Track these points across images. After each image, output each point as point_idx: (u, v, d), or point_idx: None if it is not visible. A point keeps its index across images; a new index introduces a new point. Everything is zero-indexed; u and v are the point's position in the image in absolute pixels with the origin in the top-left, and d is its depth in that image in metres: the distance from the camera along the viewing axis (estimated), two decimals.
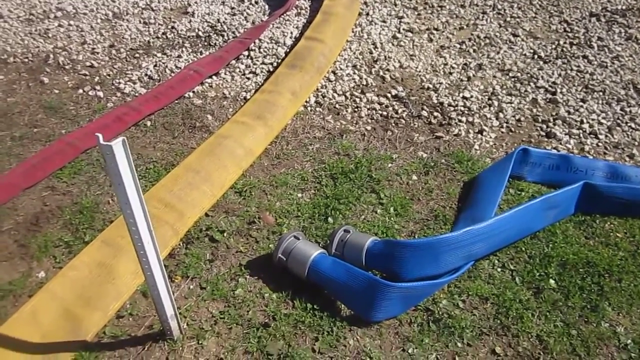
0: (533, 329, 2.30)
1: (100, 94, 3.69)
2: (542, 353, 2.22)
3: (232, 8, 4.68)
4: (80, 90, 3.73)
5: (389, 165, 3.16)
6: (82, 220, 2.73)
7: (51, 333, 2.17)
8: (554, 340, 2.26)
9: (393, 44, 4.22)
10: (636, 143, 3.36)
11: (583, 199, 2.84)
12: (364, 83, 3.81)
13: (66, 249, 2.59)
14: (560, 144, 3.34)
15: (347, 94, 3.70)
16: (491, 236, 2.50)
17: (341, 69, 3.93)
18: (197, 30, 4.35)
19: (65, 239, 2.63)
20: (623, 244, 2.70)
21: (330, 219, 2.77)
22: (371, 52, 4.11)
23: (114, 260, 2.44)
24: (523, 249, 2.66)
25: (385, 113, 3.55)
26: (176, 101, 3.60)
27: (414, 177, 3.08)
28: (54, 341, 2.16)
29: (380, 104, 3.63)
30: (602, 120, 3.51)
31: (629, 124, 3.50)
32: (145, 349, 2.18)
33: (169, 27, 4.40)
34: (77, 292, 2.31)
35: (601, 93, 3.74)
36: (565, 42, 4.27)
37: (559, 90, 3.75)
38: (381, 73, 3.90)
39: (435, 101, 3.66)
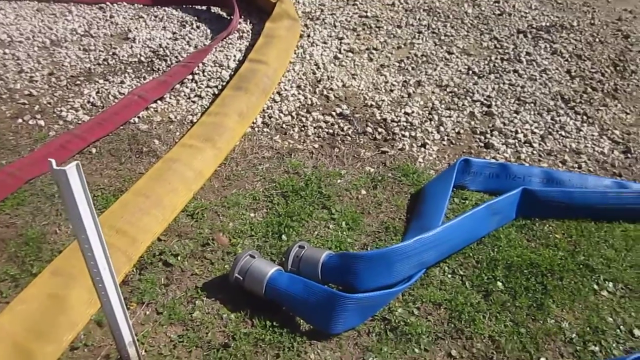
0: (485, 330, 2.40)
1: (42, 122, 3.60)
2: (495, 353, 2.32)
3: (174, 33, 4.69)
4: (20, 120, 3.63)
5: (338, 181, 3.23)
6: (29, 252, 2.65)
7: None
8: (505, 340, 2.36)
9: (335, 64, 4.33)
10: (567, 150, 3.58)
11: (523, 204, 3.00)
12: (309, 102, 3.89)
13: (12, 283, 2.50)
14: (499, 153, 3.52)
15: (293, 114, 3.77)
16: (440, 244, 2.60)
17: (286, 89, 4.00)
18: (139, 56, 4.33)
19: (11, 272, 2.54)
20: (562, 244, 2.86)
21: (284, 237, 2.81)
22: (314, 73, 4.21)
23: (65, 291, 2.38)
24: (471, 254, 2.77)
25: (331, 131, 3.64)
26: (121, 127, 3.56)
27: (363, 192, 3.17)
28: None
29: (326, 122, 3.72)
30: (535, 130, 3.73)
31: (559, 132, 3.72)
32: None
33: (110, 53, 4.35)
34: (27, 325, 2.24)
35: (532, 104, 3.97)
36: (496, 58, 4.51)
37: (493, 103, 3.95)
38: (325, 92, 4.00)
39: (379, 117, 3.78)
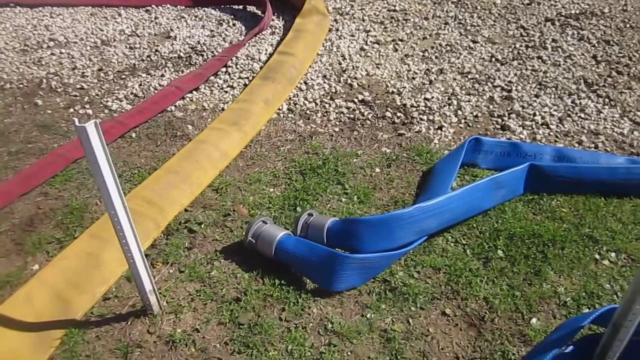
0: (480, 292, 2.54)
1: (90, 111, 4.00)
2: (488, 312, 2.46)
3: (212, 30, 5.03)
4: (71, 110, 4.05)
5: (354, 160, 3.43)
6: (73, 220, 3.00)
7: (44, 314, 2.42)
8: (499, 301, 2.49)
9: (360, 55, 4.54)
10: (585, 131, 3.63)
11: (530, 179, 3.10)
12: (333, 91, 4.11)
13: (58, 245, 2.85)
14: (514, 134, 3.61)
15: (317, 101, 4.00)
16: (441, 212, 2.75)
17: (312, 79, 4.24)
18: (178, 52, 4.69)
19: (57, 236, 2.90)
20: (568, 217, 2.95)
21: (298, 209, 3.03)
22: (340, 63, 4.42)
23: (100, 251, 2.70)
24: (474, 225, 2.91)
25: (352, 116, 3.84)
26: (159, 115, 3.91)
27: (377, 170, 3.35)
28: (46, 320, 2.40)
29: (347, 108, 3.92)
30: (554, 112, 3.79)
31: (578, 115, 3.77)
32: (129, 323, 2.42)
33: (153, 50, 4.74)
34: (67, 278, 2.56)
35: (554, 89, 4.03)
36: (521, 45, 4.58)
37: (514, 88, 4.04)
38: (349, 81, 4.21)
39: (399, 103, 3.95)
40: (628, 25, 4.79)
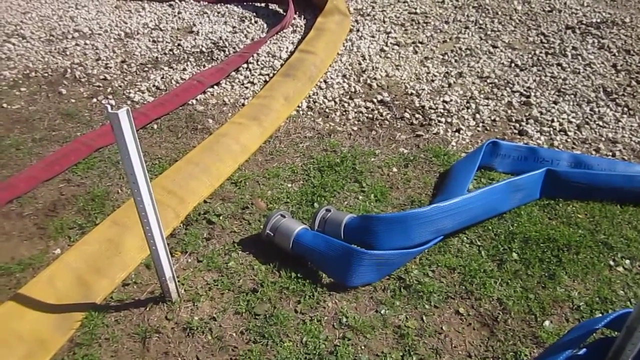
0: (494, 293, 2.56)
1: (112, 102, 4.07)
2: (501, 313, 2.48)
3: (234, 27, 5.08)
4: (94, 100, 4.12)
5: (372, 159, 3.46)
6: (94, 206, 3.06)
7: (65, 296, 2.48)
8: (512, 303, 2.51)
9: (380, 56, 4.57)
10: (603, 139, 3.64)
11: (547, 184, 3.11)
12: (353, 90, 4.15)
13: (79, 230, 2.91)
14: (532, 140, 3.63)
15: (337, 100, 4.04)
16: (457, 213, 2.78)
17: (332, 78, 4.28)
18: (201, 47, 4.75)
19: (79, 222, 2.96)
20: (583, 223, 2.96)
21: (315, 204, 3.07)
22: (360, 64, 4.46)
23: (121, 237, 2.76)
24: (490, 227, 2.93)
25: (370, 116, 3.88)
26: (181, 107, 3.96)
27: (394, 169, 3.38)
28: (67, 303, 2.46)
29: (366, 107, 3.96)
30: (572, 120, 3.80)
31: (597, 122, 3.78)
32: (147, 309, 2.47)
33: (176, 44, 4.80)
34: (88, 262, 2.62)
35: (572, 96, 4.04)
36: (541, 52, 4.59)
37: (533, 94, 4.05)
38: (368, 81, 4.24)
39: (418, 105, 3.98)
40: None
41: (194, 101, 4.04)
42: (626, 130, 3.70)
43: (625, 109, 3.90)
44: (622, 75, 4.27)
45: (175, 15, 5.29)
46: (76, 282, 2.54)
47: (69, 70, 4.51)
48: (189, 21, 5.18)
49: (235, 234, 2.91)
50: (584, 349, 2.17)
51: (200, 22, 5.15)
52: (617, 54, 4.55)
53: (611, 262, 2.73)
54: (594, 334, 2.27)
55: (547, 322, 2.43)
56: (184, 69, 4.44)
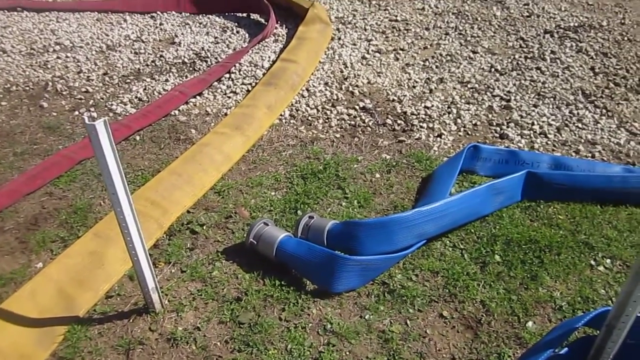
0: (477, 295, 2.58)
1: (95, 114, 4.06)
2: (484, 315, 2.50)
3: (215, 37, 5.10)
4: (76, 112, 4.11)
5: (355, 166, 3.48)
6: (77, 219, 3.05)
7: (47, 310, 2.46)
8: (495, 304, 2.53)
9: (362, 64, 4.60)
10: (582, 140, 3.69)
11: (528, 186, 3.15)
12: (335, 98, 4.17)
13: (62, 244, 2.89)
14: (512, 143, 3.67)
15: (319, 108, 4.06)
16: (439, 217, 2.80)
17: (314, 86, 4.30)
18: (183, 58, 4.76)
19: (61, 235, 2.94)
20: (564, 224, 2.99)
21: (299, 212, 3.08)
22: (342, 71, 4.49)
23: (104, 249, 2.75)
24: (472, 230, 2.96)
25: (353, 122, 3.90)
26: (163, 118, 3.96)
27: (377, 175, 3.40)
28: (49, 317, 2.44)
29: (349, 115, 3.98)
30: (552, 122, 3.85)
31: (576, 124, 3.83)
32: (130, 321, 2.46)
33: (158, 55, 4.80)
34: (71, 275, 2.61)
35: (552, 99, 4.10)
36: (520, 56, 4.65)
37: (512, 98, 4.10)
38: (350, 89, 4.27)
39: (400, 111, 4.01)
40: (626, 39, 4.87)
41: (177, 112, 4.04)
42: (605, 132, 3.76)
43: (604, 111, 3.96)
44: (600, 78, 4.34)
45: (157, 27, 5.30)
46: (58, 295, 2.52)
47: (50, 84, 4.49)
48: (171, 32, 5.19)
49: (218, 243, 2.91)
50: (566, 348, 2.19)
51: (182, 33, 5.16)
52: (594, 57, 4.62)
53: (592, 262, 2.76)
54: (576, 333, 2.29)
55: (530, 323, 2.45)
56: (166, 80, 4.45)
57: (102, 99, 4.28)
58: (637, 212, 3.08)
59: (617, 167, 3.37)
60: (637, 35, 4.91)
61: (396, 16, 5.39)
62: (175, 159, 3.49)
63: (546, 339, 2.20)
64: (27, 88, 4.46)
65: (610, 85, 4.25)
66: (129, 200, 2.04)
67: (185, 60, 4.73)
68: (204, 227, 2.99)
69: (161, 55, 4.80)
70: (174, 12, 5.57)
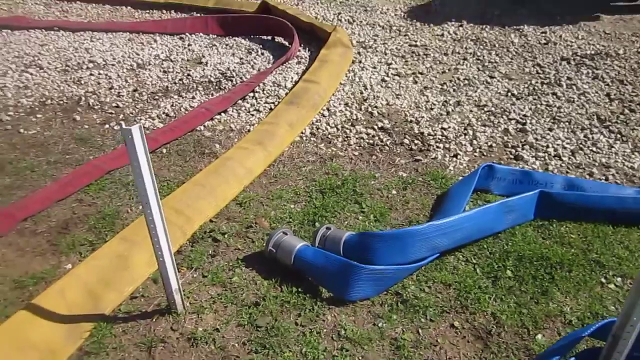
0: (489, 308, 2.65)
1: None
2: (495, 326, 2.56)
3: (241, 58, 5.30)
4: (107, 126, 4.31)
5: (372, 182, 3.59)
6: (105, 225, 3.20)
7: (75, 307, 2.59)
8: (506, 317, 2.60)
9: (382, 86, 4.75)
10: (596, 163, 3.76)
11: (541, 205, 3.22)
12: (354, 117, 4.31)
13: (90, 247, 3.04)
14: (527, 164, 3.75)
15: (339, 127, 4.20)
16: (453, 231, 2.89)
17: (334, 106, 4.45)
18: (209, 77, 4.96)
19: (90, 239, 3.09)
20: (576, 242, 3.06)
21: (317, 224, 3.19)
22: (362, 93, 4.64)
23: (130, 253, 2.88)
24: (485, 246, 3.03)
25: (371, 141, 4.03)
26: (189, 133, 4.14)
27: (394, 192, 3.51)
28: (77, 314, 2.57)
29: (367, 134, 4.11)
30: (566, 145, 3.93)
31: (590, 148, 3.91)
32: (153, 320, 2.58)
33: (185, 74, 5.02)
34: (98, 276, 2.74)
35: (567, 123, 4.18)
36: (537, 82, 4.76)
37: (528, 121, 4.20)
38: (370, 109, 4.41)
39: (417, 131, 4.13)
40: None
41: (202, 127, 4.21)
42: (619, 156, 3.82)
43: (619, 136, 4.03)
44: (615, 104, 4.42)
45: (185, 48, 5.54)
46: (86, 294, 2.65)
47: (83, 98, 4.72)
48: (199, 53, 5.42)
49: (239, 251, 3.03)
50: (573, 358, 2.25)
51: (209, 54, 5.38)
52: (610, 83, 4.70)
53: (603, 280, 2.81)
54: (585, 345, 2.35)
55: (539, 336, 2.51)
56: (193, 97, 4.64)
57: (132, 113, 4.48)
58: None
59: (630, 189, 3.43)
60: None
61: (416, 41, 5.54)
62: (200, 171, 3.64)
63: (553, 347, 2.27)
64: (62, 102, 4.69)
65: (626, 111, 4.32)
66: (158, 202, 2.18)
67: (212, 79, 4.93)
68: (225, 236, 3.12)
69: (188, 74, 5.01)
70: (201, 34, 5.81)
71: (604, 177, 3.62)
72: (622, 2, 6.10)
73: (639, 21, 5.80)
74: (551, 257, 2.92)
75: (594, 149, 3.90)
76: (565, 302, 2.69)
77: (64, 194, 3.44)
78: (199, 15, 6.16)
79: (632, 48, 5.28)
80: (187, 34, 5.80)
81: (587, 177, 3.64)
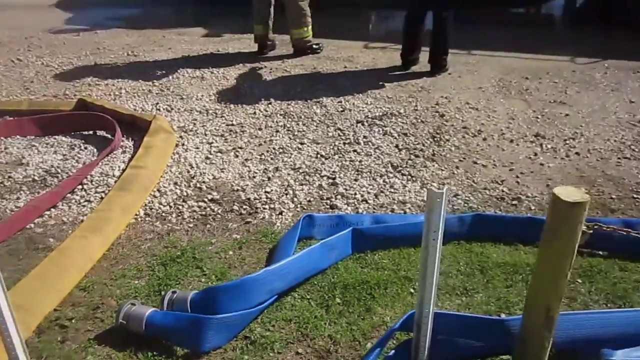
0: (325, 332, 3.09)
1: None
2: (332, 345, 3.00)
3: (64, 155, 5.36)
4: None
5: (210, 247, 3.92)
6: None
7: None
8: (340, 335, 3.05)
9: (206, 163, 5.17)
10: (395, 201, 4.51)
11: (355, 241, 3.81)
12: (185, 194, 4.64)
13: None
14: (341, 211, 4.38)
15: (171, 204, 4.48)
16: (285, 274, 3.31)
17: (164, 186, 4.74)
18: (32, 176, 4.94)
19: None
20: (388, 265, 3.67)
21: (163, 294, 3.40)
22: (189, 171, 5.00)
23: None
24: (315, 282, 3.50)
25: (204, 212, 4.37)
26: (18, 233, 4.10)
27: (230, 252, 3.86)
28: None
29: (199, 207, 4.45)
30: (370, 190, 4.66)
31: (389, 190, 4.68)
32: None
33: (6, 177, 4.92)
34: None
35: (368, 173, 4.96)
36: (340, 143, 5.55)
37: (337, 176, 4.90)
38: (198, 185, 4.78)
39: (244, 198, 4.58)
40: (419, 121, 6.04)
41: (32, 225, 4.20)
42: (412, 193, 4.64)
43: (409, 177, 4.89)
44: (403, 153, 5.34)
45: (1, 151, 5.42)
46: None
47: None
48: (17, 154, 5.35)
49: (89, 332, 3.12)
50: (393, 351, 2.77)
51: (29, 154, 5.34)
52: (397, 137, 5.66)
53: (412, 290, 3.43)
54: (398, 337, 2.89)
55: (369, 344, 3.00)
56: (18, 198, 4.59)
57: None
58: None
59: (421, 216, 4.20)
60: (428, 117, 6.11)
61: (232, 121, 6.11)
62: (36, 266, 3.65)
63: (373, 345, 2.77)
64: None
65: (412, 157, 5.24)
66: (6, 296, 2.29)
67: (36, 177, 4.92)
68: (73, 321, 3.19)
69: (9, 176, 4.93)
70: (18, 137, 5.74)
71: (402, 211, 4.38)
72: (398, 72, 7.41)
73: (412, 86, 7.06)
74: (370, 280, 3.49)
75: (392, 190, 4.68)
76: (386, 313, 3.24)
77: None
78: (12, 118, 6.09)
79: (409, 107, 6.41)
80: (2, 138, 5.68)
81: (390, 212, 4.36)
